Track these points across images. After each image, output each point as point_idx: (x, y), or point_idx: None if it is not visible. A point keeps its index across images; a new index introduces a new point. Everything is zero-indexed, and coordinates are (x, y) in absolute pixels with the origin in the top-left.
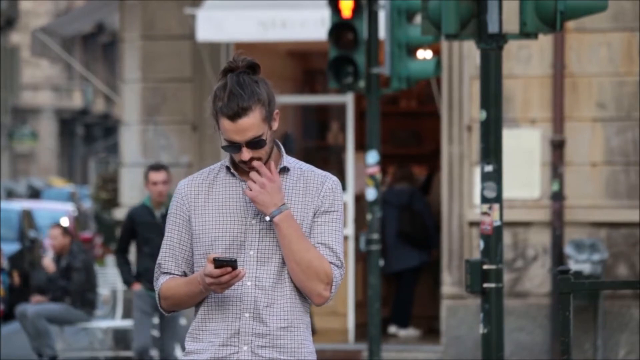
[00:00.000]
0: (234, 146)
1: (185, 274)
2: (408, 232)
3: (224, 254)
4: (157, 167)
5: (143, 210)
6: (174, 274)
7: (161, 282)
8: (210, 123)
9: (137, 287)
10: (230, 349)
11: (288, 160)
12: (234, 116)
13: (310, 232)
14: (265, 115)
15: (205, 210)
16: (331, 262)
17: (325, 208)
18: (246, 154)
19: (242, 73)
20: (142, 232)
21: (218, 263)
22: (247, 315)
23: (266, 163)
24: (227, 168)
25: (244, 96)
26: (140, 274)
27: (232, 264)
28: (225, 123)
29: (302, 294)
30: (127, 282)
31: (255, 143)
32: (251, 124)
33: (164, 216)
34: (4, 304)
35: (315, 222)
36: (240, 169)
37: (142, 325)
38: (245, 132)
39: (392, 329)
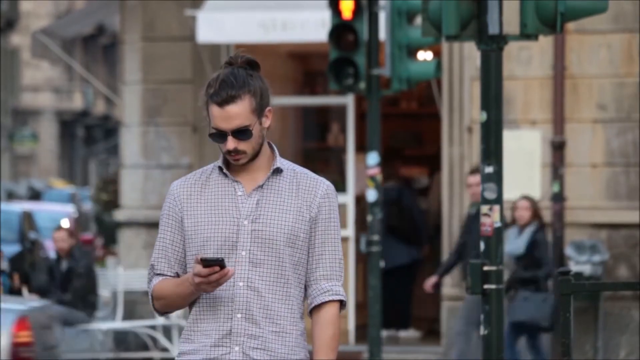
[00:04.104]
0: (220, 134)
1: (178, 275)
2: (395, 226)
3: (214, 255)
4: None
5: None
6: (166, 275)
7: (154, 283)
8: (202, 114)
9: None
10: (222, 349)
11: (281, 162)
12: (223, 103)
13: (305, 235)
14: (255, 107)
15: (197, 211)
16: (334, 279)
17: (324, 216)
18: (231, 143)
19: (239, 67)
20: None
21: (206, 263)
22: (239, 315)
23: (254, 159)
24: (220, 168)
25: (235, 85)
26: None
27: (219, 263)
28: (214, 109)
29: (299, 302)
30: None
31: (242, 132)
32: (239, 112)
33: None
34: None
35: (315, 230)
36: (233, 169)
37: None
38: (232, 119)
39: (392, 330)
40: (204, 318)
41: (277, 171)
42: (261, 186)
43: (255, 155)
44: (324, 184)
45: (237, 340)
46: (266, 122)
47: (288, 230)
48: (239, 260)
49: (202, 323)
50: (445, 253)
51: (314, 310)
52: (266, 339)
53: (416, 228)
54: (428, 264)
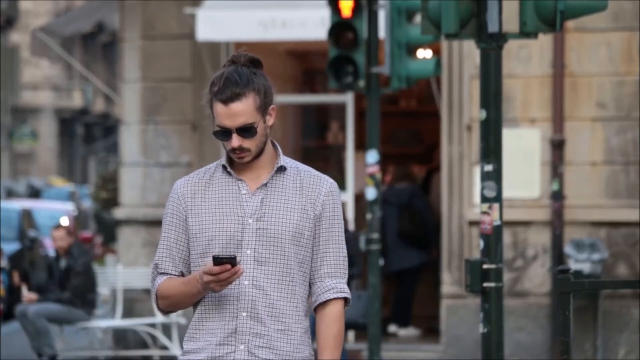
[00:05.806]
0: (224, 132)
1: (182, 274)
2: (408, 231)
3: (223, 252)
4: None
5: None
6: (171, 274)
7: (158, 282)
8: (205, 113)
9: None
10: (227, 348)
11: (285, 160)
12: (227, 100)
13: (309, 233)
14: (259, 105)
15: (202, 209)
16: (338, 277)
17: (328, 213)
18: (236, 141)
19: (242, 65)
20: None
21: (217, 260)
22: (244, 314)
23: (258, 157)
24: (224, 167)
25: (240, 82)
26: None
27: (231, 261)
28: (218, 107)
29: (304, 299)
30: None
31: (246, 130)
32: (243, 109)
33: None
34: (4, 304)
35: (319, 227)
36: (236, 167)
37: None
38: (236, 117)
39: (392, 328)
40: (209, 317)
41: (281, 169)
42: (265, 184)
43: (259, 154)
44: (327, 182)
45: (242, 338)
46: (270, 120)
47: (293, 228)
48: (244, 259)
49: (207, 321)
50: (445, 252)
51: (318, 307)
52: (271, 337)
53: (427, 232)
54: (434, 265)
